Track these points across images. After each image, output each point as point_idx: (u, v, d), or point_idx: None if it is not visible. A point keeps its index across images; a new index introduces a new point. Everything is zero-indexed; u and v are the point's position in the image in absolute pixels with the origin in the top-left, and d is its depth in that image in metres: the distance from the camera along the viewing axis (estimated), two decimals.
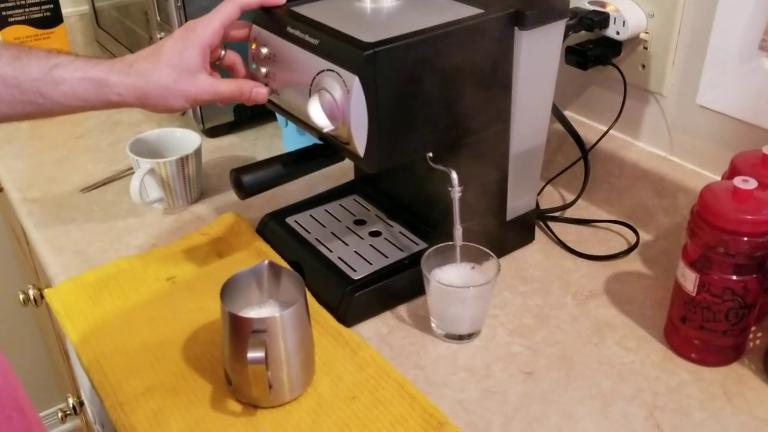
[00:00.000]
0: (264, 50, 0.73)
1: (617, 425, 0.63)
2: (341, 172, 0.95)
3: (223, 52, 0.75)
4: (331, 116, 0.65)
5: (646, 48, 0.83)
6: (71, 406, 0.98)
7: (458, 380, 0.68)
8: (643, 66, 0.84)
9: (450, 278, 0.73)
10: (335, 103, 0.64)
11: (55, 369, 1.62)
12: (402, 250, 0.80)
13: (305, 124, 0.71)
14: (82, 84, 0.66)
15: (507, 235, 0.84)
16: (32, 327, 1.65)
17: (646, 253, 0.85)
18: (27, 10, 1.13)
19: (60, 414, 1.38)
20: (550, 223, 0.89)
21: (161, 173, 0.91)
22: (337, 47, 0.64)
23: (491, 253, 0.73)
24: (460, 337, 0.73)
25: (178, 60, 0.69)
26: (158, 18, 1.02)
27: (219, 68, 0.75)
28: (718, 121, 0.79)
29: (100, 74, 0.67)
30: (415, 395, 0.65)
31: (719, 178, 0.75)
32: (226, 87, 0.71)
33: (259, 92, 0.73)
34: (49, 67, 0.66)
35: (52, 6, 1.15)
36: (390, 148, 0.67)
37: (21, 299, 1.06)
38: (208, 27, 0.70)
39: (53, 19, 1.16)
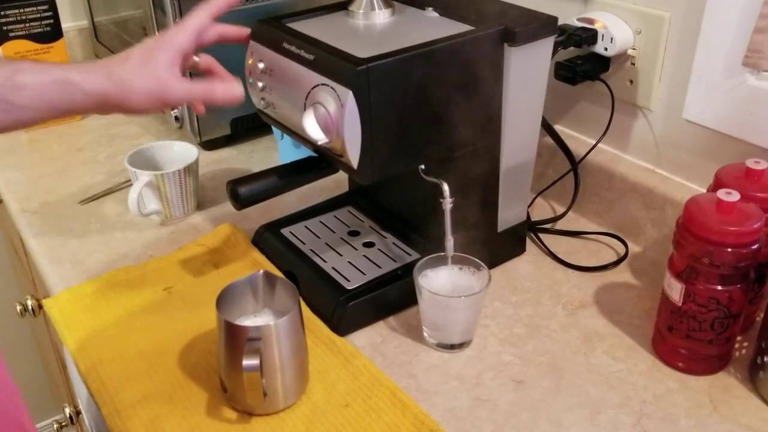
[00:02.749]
0: (260, 65, 0.74)
1: None
2: (336, 184, 0.96)
3: (197, 58, 0.74)
4: (325, 129, 0.66)
5: (633, 64, 0.85)
6: (68, 415, 0.98)
7: (450, 388, 0.69)
8: (631, 81, 0.86)
9: (440, 280, 0.74)
10: (329, 117, 0.66)
11: (51, 381, 1.63)
12: (395, 261, 0.81)
13: (300, 137, 0.73)
14: (46, 87, 0.65)
15: (498, 246, 0.85)
16: (29, 339, 1.65)
17: (634, 265, 0.86)
18: (27, 25, 1.15)
19: (56, 426, 1.38)
20: (541, 235, 0.91)
21: (159, 185, 0.92)
22: (332, 62, 0.66)
23: (482, 264, 0.74)
24: (452, 347, 0.74)
25: (146, 60, 0.68)
26: (156, 33, 1.03)
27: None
28: (703, 135, 0.81)
29: (63, 74, 0.66)
30: (407, 403, 0.66)
31: (705, 191, 0.77)
32: (195, 86, 0.70)
33: (231, 91, 0.71)
34: (12, 72, 0.64)
35: (51, 21, 1.17)
36: (383, 161, 0.69)
37: (18, 310, 1.07)
38: (179, 32, 0.70)
39: (53, 33, 1.17)
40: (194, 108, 0.79)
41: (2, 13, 1.13)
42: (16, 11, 1.14)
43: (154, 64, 0.67)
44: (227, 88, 0.71)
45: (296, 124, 0.70)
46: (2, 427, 0.46)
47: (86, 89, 0.66)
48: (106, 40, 1.32)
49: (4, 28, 1.14)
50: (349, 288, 0.77)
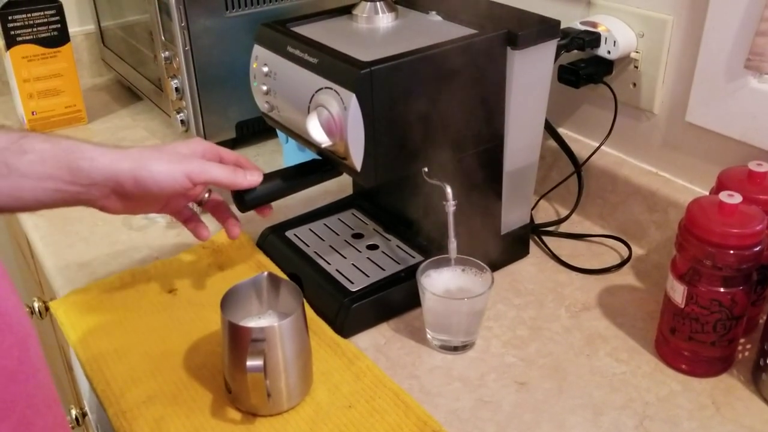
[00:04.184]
0: (265, 68, 0.75)
1: None
2: (340, 187, 0.97)
3: (207, 195, 0.74)
4: (329, 132, 0.67)
5: (636, 67, 0.86)
6: (74, 417, 0.99)
7: (453, 390, 0.70)
8: (634, 84, 0.86)
9: (443, 282, 0.75)
10: (333, 120, 0.66)
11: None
12: (398, 263, 0.81)
13: (304, 140, 0.74)
14: (51, 152, 0.61)
15: (502, 248, 0.85)
16: None
17: (638, 267, 0.86)
18: (35, 29, 1.16)
19: None
20: (545, 238, 0.91)
21: None
22: (335, 66, 0.67)
23: (485, 266, 0.74)
24: (455, 348, 0.74)
25: (161, 148, 0.67)
26: (162, 38, 1.04)
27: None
28: (706, 137, 0.81)
29: (70, 144, 0.62)
30: (410, 404, 0.67)
31: (708, 193, 0.77)
32: (218, 169, 0.68)
33: (251, 178, 0.70)
34: (18, 137, 0.61)
35: (59, 26, 1.18)
36: (386, 163, 0.69)
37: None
38: (203, 143, 0.71)
39: (60, 38, 1.18)
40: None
41: (10, 17, 1.14)
42: (24, 16, 1.15)
43: (173, 150, 0.67)
44: (249, 175, 0.70)
45: (300, 127, 0.71)
46: (42, 397, 0.46)
47: (94, 156, 0.62)
48: (113, 45, 1.33)
49: (12, 32, 1.15)
50: (353, 290, 0.77)
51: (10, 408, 0.42)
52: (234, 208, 0.74)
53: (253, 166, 0.73)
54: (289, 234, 0.88)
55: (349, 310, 0.75)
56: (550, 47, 0.76)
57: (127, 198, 0.65)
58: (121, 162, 0.63)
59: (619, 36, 0.84)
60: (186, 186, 0.66)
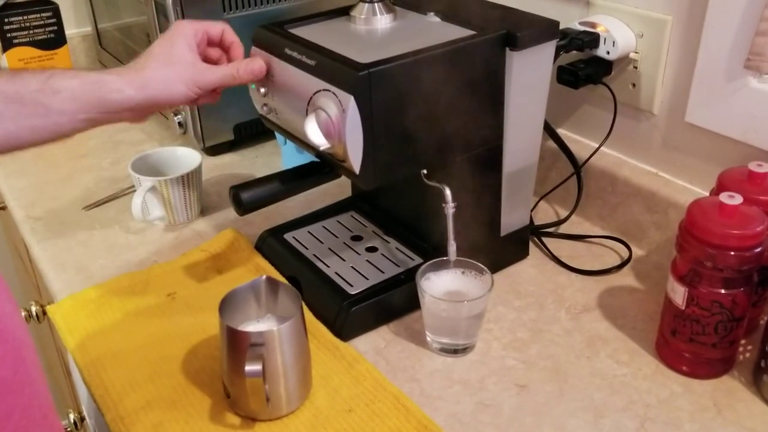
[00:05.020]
0: None
1: None
2: (339, 189, 0.96)
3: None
4: (327, 134, 0.67)
5: (635, 67, 0.85)
6: (72, 421, 0.98)
7: (453, 393, 0.69)
8: (634, 85, 0.86)
9: (443, 284, 0.74)
10: (331, 122, 0.66)
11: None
12: (398, 266, 0.81)
13: (303, 142, 0.73)
14: (81, 87, 0.67)
15: (501, 250, 0.85)
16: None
17: (638, 268, 0.86)
18: (31, 31, 1.16)
19: None
20: (544, 239, 0.91)
21: (162, 191, 0.92)
22: (333, 68, 0.66)
23: (485, 268, 0.74)
24: (455, 351, 0.74)
25: (169, 52, 0.70)
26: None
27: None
28: (706, 138, 0.81)
29: (96, 76, 0.68)
30: (411, 408, 0.66)
31: (708, 194, 0.77)
32: (220, 71, 0.72)
33: (251, 66, 0.73)
34: (46, 77, 0.67)
35: (55, 28, 1.17)
36: (385, 166, 0.69)
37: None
38: (190, 25, 0.73)
39: (57, 40, 1.18)
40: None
41: (6, 20, 1.13)
42: (20, 18, 1.14)
43: (179, 54, 0.70)
44: (248, 64, 0.73)
45: (298, 130, 0.71)
46: (38, 406, 0.46)
47: (121, 87, 0.68)
48: (110, 47, 1.32)
49: (9, 35, 1.15)
50: (352, 293, 0.77)
51: (5, 418, 0.41)
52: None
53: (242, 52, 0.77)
54: (288, 237, 0.87)
55: (349, 313, 0.75)
56: (549, 48, 0.76)
57: (149, 112, 0.73)
58: (146, 90, 0.69)
59: (618, 36, 0.84)
60: (197, 95, 0.72)
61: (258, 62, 0.73)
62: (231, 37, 0.76)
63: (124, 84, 0.68)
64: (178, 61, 0.70)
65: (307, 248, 0.85)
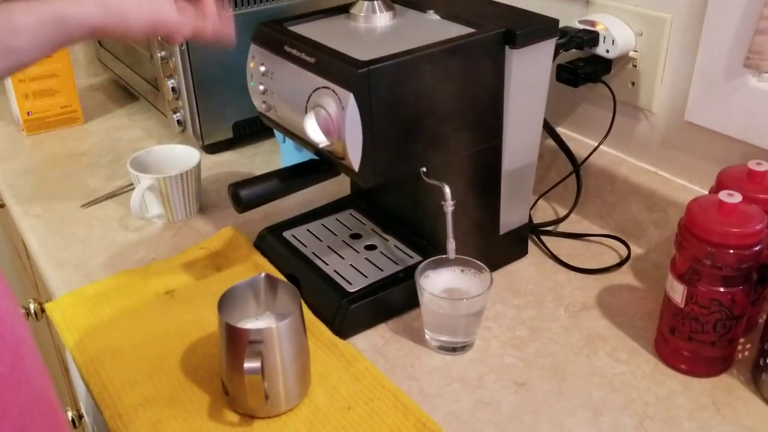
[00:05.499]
0: (262, 68, 0.74)
1: None
2: (337, 187, 0.96)
3: None
4: (326, 132, 0.67)
5: (635, 66, 0.85)
6: (70, 419, 0.98)
7: (452, 391, 0.69)
8: (633, 83, 0.86)
9: (442, 282, 0.74)
10: (330, 120, 0.66)
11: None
12: (397, 264, 0.81)
13: (302, 140, 0.73)
14: (41, 27, 0.64)
15: (500, 248, 0.85)
16: None
17: (637, 267, 0.86)
18: None
19: None
20: (543, 237, 0.91)
21: (161, 188, 0.92)
22: (333, 65, 0.66)
23: (484, 266, 0.74)
24: (454, 349, 0.74)
25: None
26: (159, 37, 1.04)
27: None
28: (705, 136, 0.81)
29: (57, 8, 0.65)
30: (409, 406, 0.66)
31: (707, 193, 0.77)
32: (199, 21, 0.70)
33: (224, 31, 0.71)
34: (7, 16, 0.64)
35: None
36: (384, 163, 0.69)
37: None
38: None
39: None
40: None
41: None
42: None
43: None
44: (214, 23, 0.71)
45: (298, 127, 0.71)
46: (37, 403, 0.46)
47: (82, 23, 0.65)
48: (109, 45, 1.32)
49: None
50: (351, 291, 0.77)
51: (2, 416, 0.41)
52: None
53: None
54: (287, 234, 0.87)
55: (348, 311, 0.75)
56: (548, 46, 0.76)
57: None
58: (105, 24, 0.66)
59: (617, 35, 0.84)
60: (154, 36, 0.69)
61: (228, 28, 0.71)
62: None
63: (86, 19, 0.66)
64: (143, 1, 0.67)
65: (306, 246, 0.85)
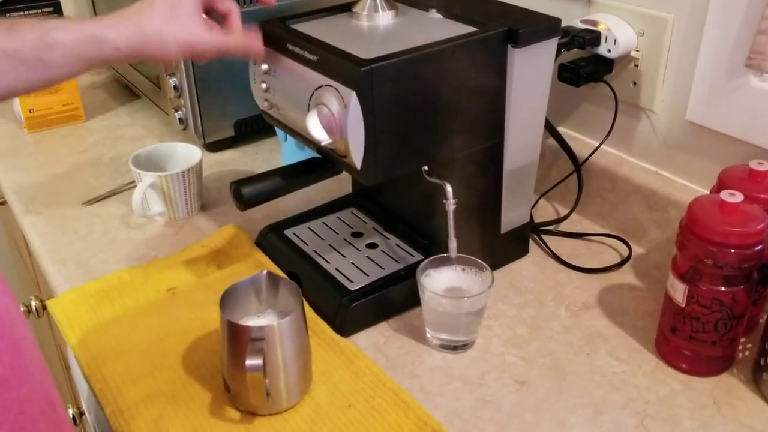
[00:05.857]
0: (264, 66, 0.75)
1: None
2: (339, 185, 0.97)
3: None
4: (328, 130, 0.67)
5: (636, 65, 0.85)
6: (71, 416, 0.98)
7: (453, 389, 0.69)
8: (634, 83, 0.86)
9: (443, 281, 0.74)
10: (333, 118, 0.66)
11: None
12: (398, 262, 0.81)
13: (304, 138, 0.73)
14: (78, 44, 0.66)
15: (501, 247, 0.85)
16: None
17: (638, 266, 0.86)
18: (29, 15, 1.16)
19: None
20: (545, 237, 0.91)
21: (163, 186, 0.92)
22: (335, 63, 0.66)
23: (485, 265, 0.74)
24: (455, 348, 0.74)
25: (172, 8, 0.68)
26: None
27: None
28: (707, 136, 0.81)
29: (94, 30, 0.66)
30: (410, 404, 0.66)
31: (709, 192, 0.77)
32: (230, 38, 0.71)
33: (254, 45, 0.73)
34: (44, 31, 0.65)
35: (53, 13, 1.17)
36: (386, 162, 0.69)
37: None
38: None
39: None
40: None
41: (7, 15, 1.13)
42: (21, 13, 1.14)
43: (181, 12, 0.68)
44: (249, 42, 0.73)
45: (300, 125, 0.71)
46: (37, 402, 0.46)
47: (119, 45, 0.67)
48: None
49: None
50: (353, 289, 0.77)
51: (2, 415, 0.41)
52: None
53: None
54: (288, 233, 0.87)
55: (349, 309, 0.75)
56: (550, 45, 0.76)
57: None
58: (142, 47, 0.68)
59: (619, 34, 0.84)
60: (188, 58, 0.72)
61: (257, 43, 0.73)
62: (229, 4, 0.74)
63: (123, 42, 0.67)
64: (180, 18, 0.68)
65: (307, 244, 0.85)
